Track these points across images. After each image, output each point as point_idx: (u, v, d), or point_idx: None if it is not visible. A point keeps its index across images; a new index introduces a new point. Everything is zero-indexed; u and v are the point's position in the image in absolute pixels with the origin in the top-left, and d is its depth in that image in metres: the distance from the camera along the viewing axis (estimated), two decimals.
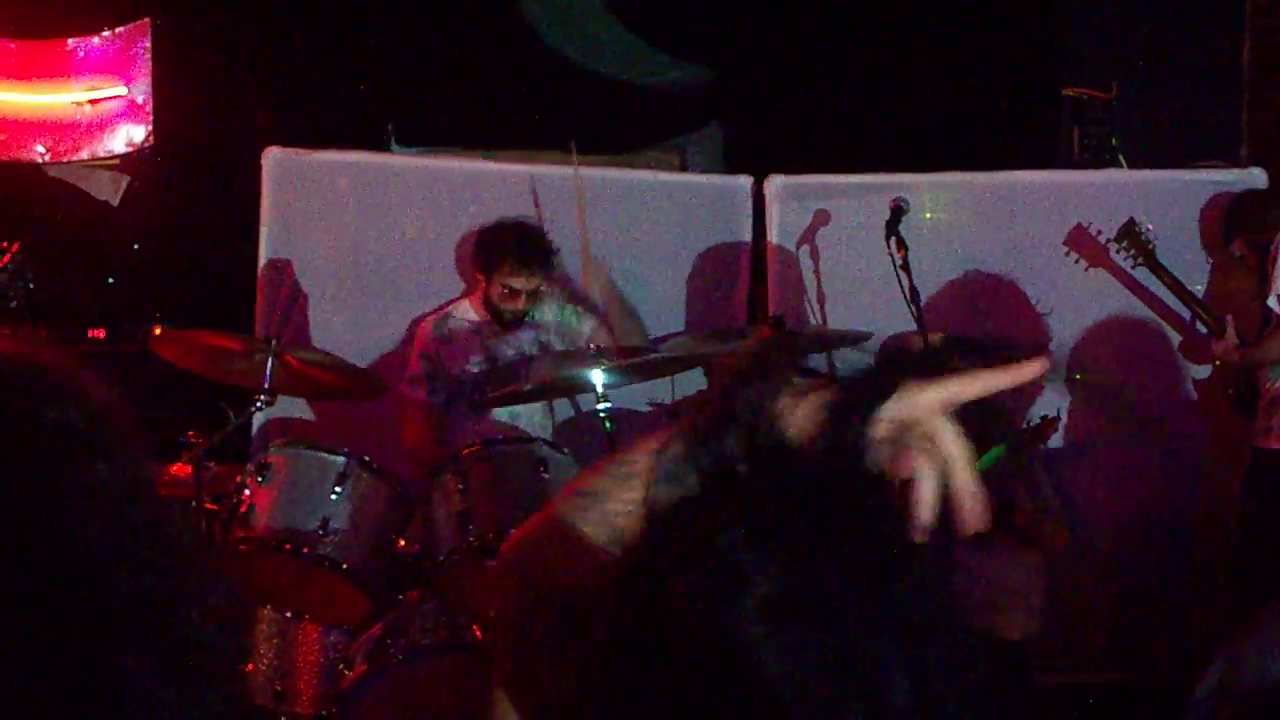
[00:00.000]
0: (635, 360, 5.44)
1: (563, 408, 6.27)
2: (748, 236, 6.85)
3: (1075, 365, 6.60)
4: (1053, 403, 6.19)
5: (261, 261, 6.61)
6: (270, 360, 5.03)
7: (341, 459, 4.99)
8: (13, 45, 6.46)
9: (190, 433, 4.96)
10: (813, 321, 6.57)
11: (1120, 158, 7.30)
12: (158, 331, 6.67)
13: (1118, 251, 6.36)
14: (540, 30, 7.56)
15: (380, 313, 6.67)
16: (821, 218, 6.65)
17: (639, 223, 6.85)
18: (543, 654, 1.66)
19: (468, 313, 6.10)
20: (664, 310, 6.79)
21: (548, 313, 6.08)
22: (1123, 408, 6.65)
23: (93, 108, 6.57)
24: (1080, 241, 6.49)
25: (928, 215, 6.55)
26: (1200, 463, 6.66)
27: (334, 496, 4.91)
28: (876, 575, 1.46)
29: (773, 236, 6.75)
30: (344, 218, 6.69)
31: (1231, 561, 6.08)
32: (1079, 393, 6.63)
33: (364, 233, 6.70)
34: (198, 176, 7.14)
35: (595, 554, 1.73)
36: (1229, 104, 7.52)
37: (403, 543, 5.14)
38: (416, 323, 6.33)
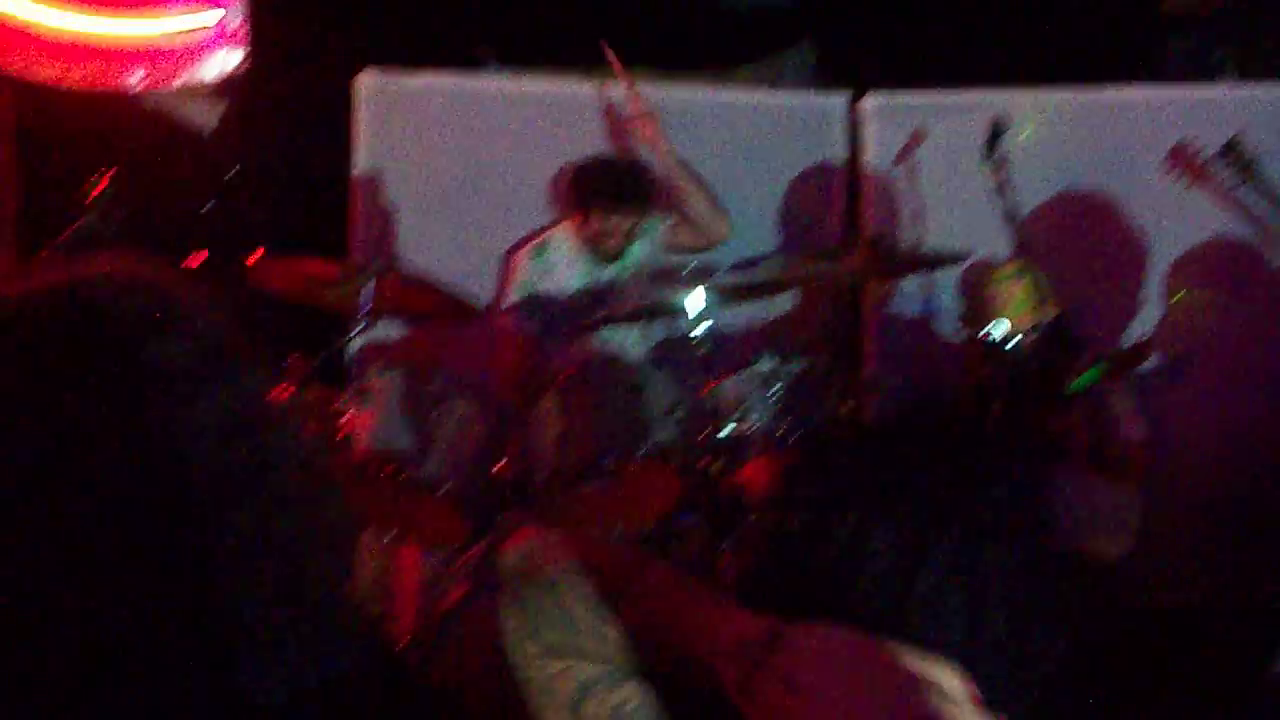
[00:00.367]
0: (732, 284, 5.43)
1: (659, 330, 6.24)
2: (843, 156, 6.77)
3: (1174, 286, 6.51)
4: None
5: (356, 186, 6.63)
6: (369, 286, 5.04)
7: (440, 382, 5.02)
8: None
9: (292, 358, 4.97)
10: (910, 240, 6.50)
11: (1226, 71, 7.13)
12: (254, 257, 6.72)
13: (1220, 171, 6.23)
14: None
15: (474, 237, 6.66)
16: (919, 136, 6.56)
17: (732, 144, 6.79)
18: None
19: (565, 240, 6.10)
20: (758, 232, 6.73)
21: (646, 242, 6.08)
22: (1222, 329, 6.55)
23: (187, 36, 6.56)
24: (1181, 160, 6.37)
25: (1029, 134, 6.44)
26: None
27: (433, 420, 4.94)
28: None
29: (868, 156, 6.68)
30: (439, 141, 6.69)
31: None
32: (1178, 314, 6.54)
33: (458, 156, 6.69)
34: (292, 102, 7.13)
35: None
36: None
37: (500, 464, 5.16)
38: (513, 249, 6.33)
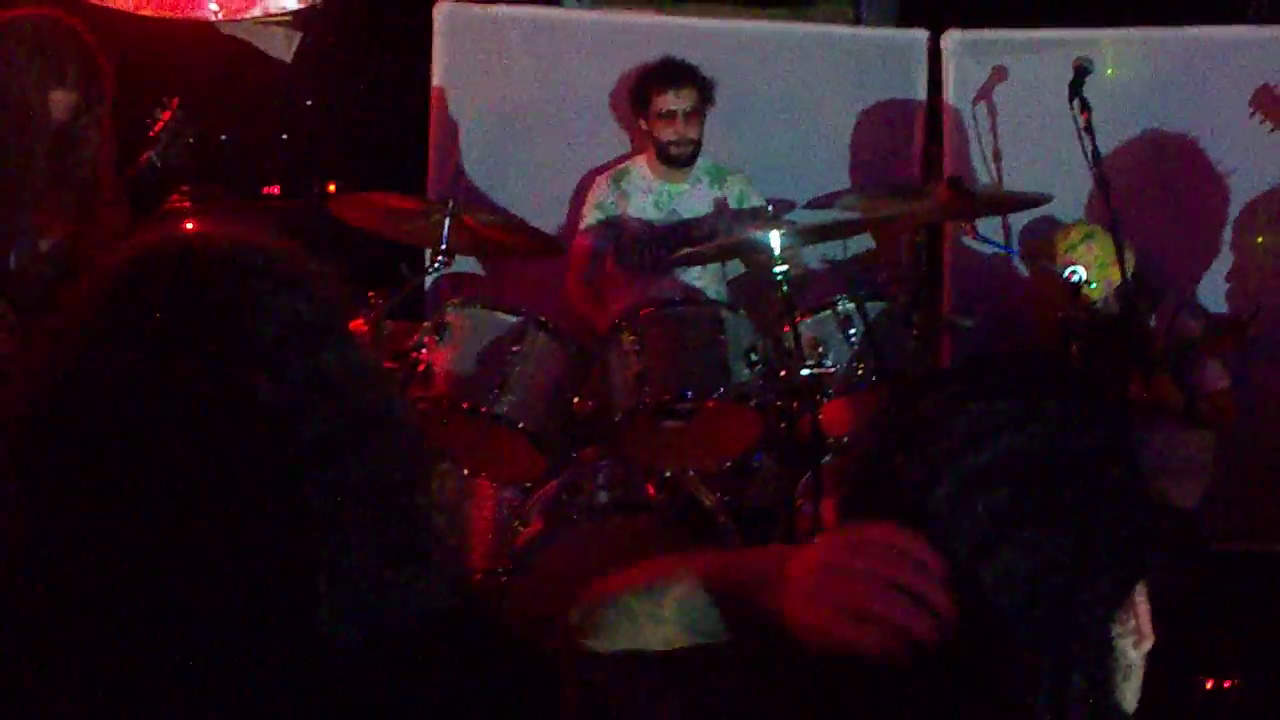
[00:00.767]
0: (811, 224, 5.41)
1: (735, 267, 6.24)
2: (922, 93, 6.70)
3: (1257, 229, 6.44)
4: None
5: (433, 116, 6.62)
6: (448, 221, 5.04)
7: (518, 318, 5.02)
8: None
9: (370, 293, 4.99)
10: (989, 181, 6.45)
11: None
12: (331, 188, 6.75)
13: None
14: None
15: (552, 169, 6.66)
16: (999, 74, 6.50)
17: (811, 77, 6.74)
18: None
19: (643, 169, 6.11)
20: (836, 168, 6.70)
21: (730, 184, 6.10)
22: None
23: None
24: (1266, 102, 6.28)
25: (1110, 72, 6.36)
26: None
27: (511, 355, 4.94)
28: None
29: (948, 93, 6.61)
30: (516, 72, 6.66)
31: None
32: (1259, 255, 6.47)
33: (536, 88, 6.67)
34: (370, 32, 7.15)
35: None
36: None
37: (578, 400, 5.17)
38: (590, 176, 6.33)
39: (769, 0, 6.92)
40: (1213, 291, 6.43)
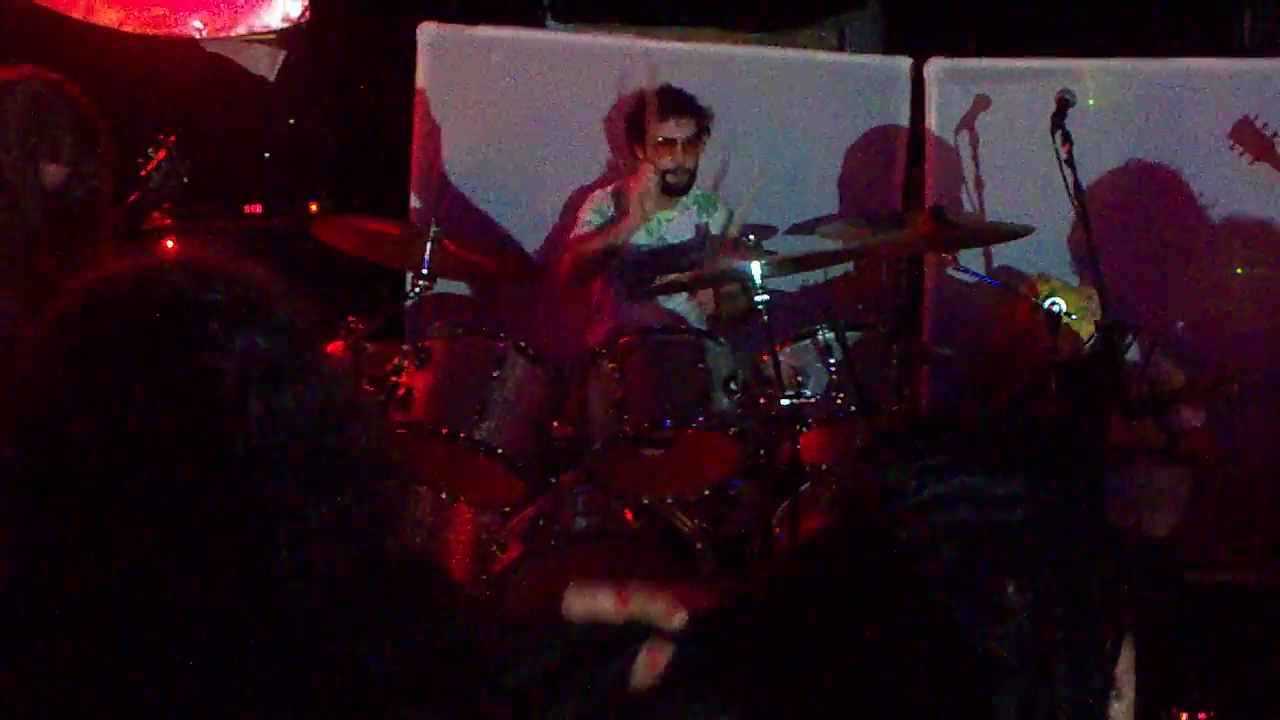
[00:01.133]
0: (791, 255, 5.42)
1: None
2: (906, 120, 6.71)
3: (1236, 260, 6.47)
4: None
5: (416, 136, 6.62)
6: (429, 246, 5.04)
7: (498, 343, 5.02)
8: None
9: (350, 318, 4.99)
10: (970, 209, 6.47)
11: None
12: (314, 207, 6.74)
13: None
14: None
15: (534, 189, 6.67)
16: (982, 103, 6.52)
17: (795, 103, 6.75)
18: None
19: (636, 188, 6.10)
20: (818, 194, 6.71)
21: (718, 213, 6.11)
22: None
23: None
24: (1246, 134, 6.30)
25: (1091, 102, 6.37)
26: None
27: (490, 381, 4.94)
28: None
29: (931, 121, 6.63)
30: (498, 93, 6.67)
31: None
32: (1238, 287, 6.50)
33: (518, 108, 6.67)
34: (353, 51, 7.15)
35: None
36: None
37: (557, 424, 5.18)
38: (584, 191, 6.31)
39: (753, 25, 6.93)
40: (1191, 323, 6.44)
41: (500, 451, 4.92)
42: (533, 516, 5.02)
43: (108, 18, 6.45)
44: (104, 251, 5.04)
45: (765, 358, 4.92)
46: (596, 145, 6.61)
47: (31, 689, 1.45)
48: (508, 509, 5.15)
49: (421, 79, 6.60)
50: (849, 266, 6.36)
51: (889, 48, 7.28)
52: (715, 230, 6.12)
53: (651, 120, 5.93)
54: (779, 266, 5.17)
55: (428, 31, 6.59)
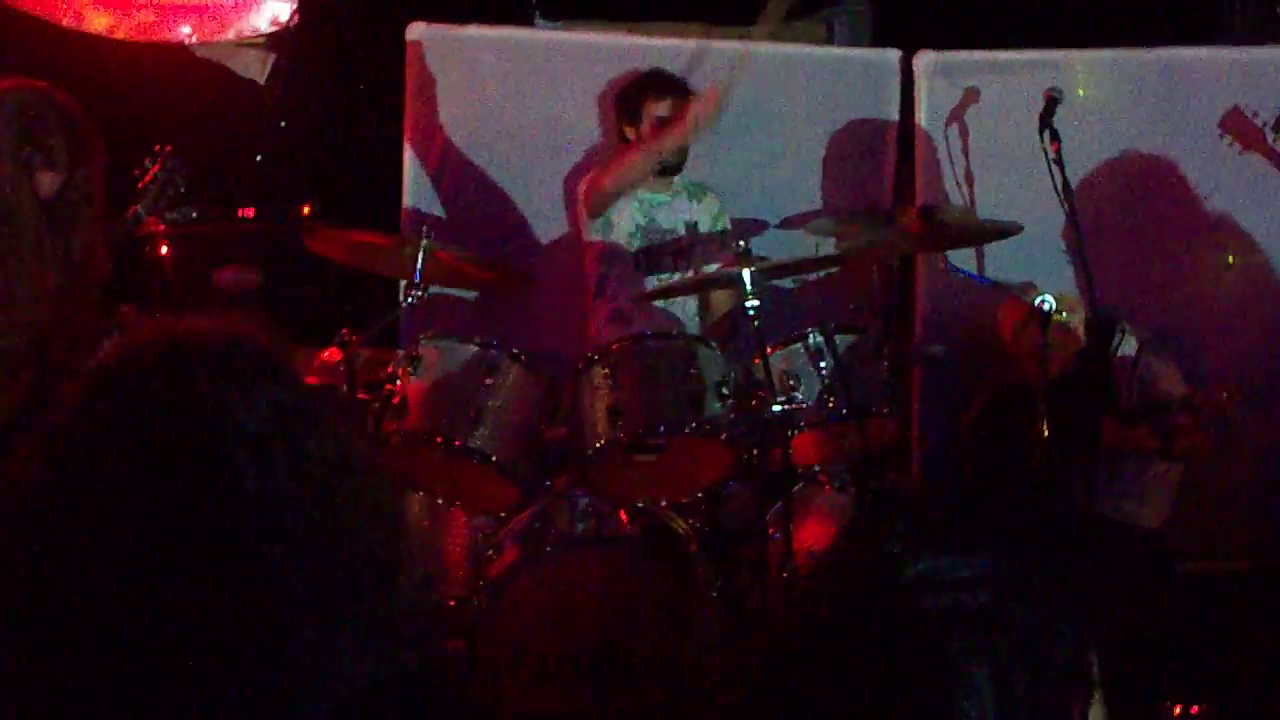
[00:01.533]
0: (784, 262, 5.45)
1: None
2: (895, 113, 6.70)
3: (1228, 249, 6.49)
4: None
5: (407, 135, 6.62)
6: (421, 255, 5.07)
7: (491, 350, 5.07)
8: None
9: (344, 329, 5.01)
10: (960, 202, 6.47)
11: None
12: (306, 210, 6.76)
13: (1275, 141, 6.19)
14: None
15: (525, 187, 6.67)
16: (971, 96, 6.51)
17: (784, 97, 6.75)
18: None
19: None
20: (808, 188, 6.71)
21: (707, 203, 6.13)
22: (1270, 295, 6.53)
23: None
24: (1236, 124, 6.30)
25: (1081, 93, 6.39)
26: None
27: (484, 388, 5.00)
28: None
29: (921, 114, 6.62)
30: (488, 93, 6.66)
31: None
32: (1230, 277, 6.52)
33: (508, 107, 6.67)
34: (343, 53, 7.16)
35: None
36: None
37: (550, 427, 5.22)
38: (576, 174, 6.33)
39: (741, 20, 6.91)
40: (1184, 314, 6.46)
41: (494, 459, 4.98)
42: (528, 521, 5.06)
43: (97, 24, 6.47)
44: (98, 257, 5.06)
45: (756, 361, 4.95)
46: (588, 142, 6.60)
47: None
48: (503, 513, 5.20)
49: (411, 79, 6.59)
50: (841, 271, 6.36)
51: (878, 40, 7.28)
52: (705, 219, 6.14)
53: (646, 100, 5.98)
54: (770, 273, 5.20)
55: (416, 31, 6.58)
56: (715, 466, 5.12)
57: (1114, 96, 6.52)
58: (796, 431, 5.01)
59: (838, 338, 5.11)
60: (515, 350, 5.09)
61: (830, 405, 5.03)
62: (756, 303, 4.88)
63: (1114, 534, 5.68)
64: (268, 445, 1.56)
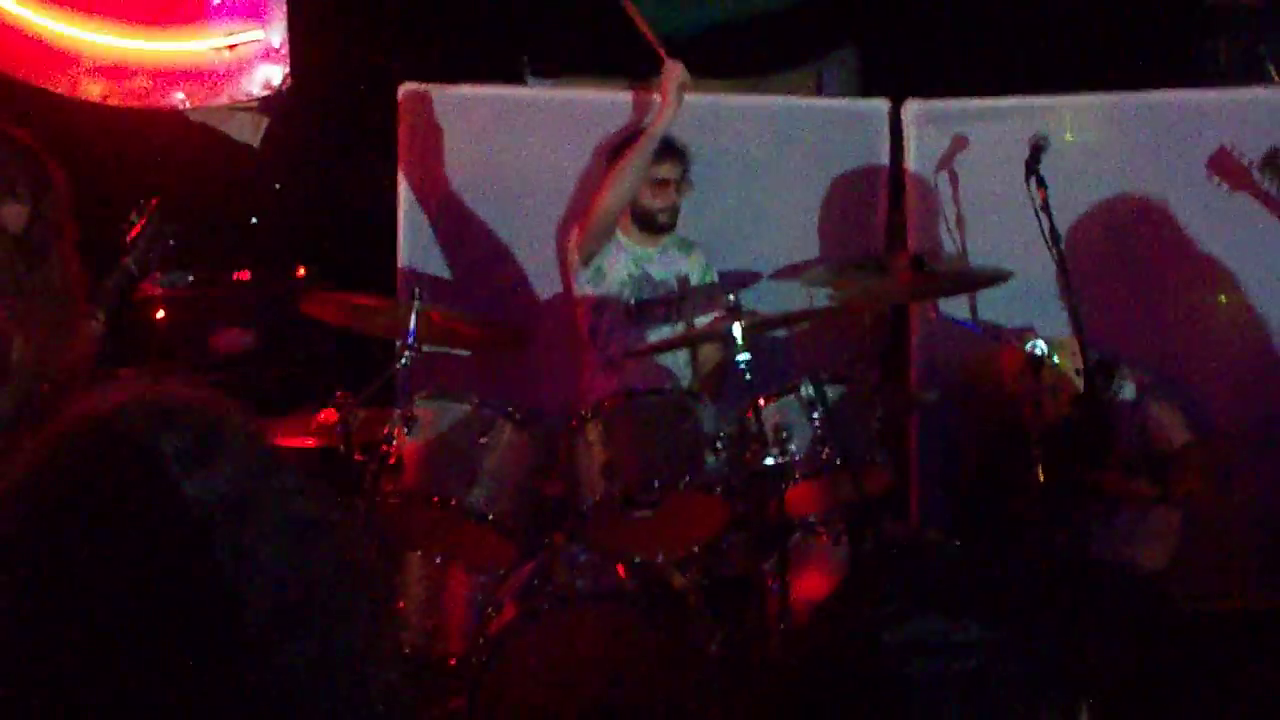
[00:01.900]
0: (775, 316, 5.48)
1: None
2: (885, 162, 6.73)
3: (1216, 292, 6.51)
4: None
5: (401, 196, 6.66)
6: (414, 317, 5.11)
7: (485, 410, 5.09)
8: None
9: (340, 391, 5.04)
10: (952, 248, 6.50)
11: (1269, 70, 7.09)
12: (301, 272, 6.79)
13: (1262, 181, 6.22)
14: None
15: (518, 246, 6.70)
16: (960, 143, 6.55)
17: (774, 148, 6.78)
18: None
19: (617, 234, 6.14)
20: (800, 238, 6.74)
21: (695, 258, 6.17)
22: (1261, 335, 6.54)
23: (231, 53, 6.64)
24: (1224, 165, 6.33)
25: (1069, 138, 6.43)
26: None
27: (479, 447, 5.02)
28: None
29: (910, 162, 6.66)
30: (481, 151, 6.70)
31: None
32: (1221, 317, 6.53)
33: (501, 166, 6.70)
34: (335, 115, 7.21)
35: None
36: None
37: (548, 483, 5.24)
38: (567, 225, 6.37)
39: (731, 71, 6.97)
40: (1179, 355, 6.47)
41: (491, 517, 4.99)
42: (527, 577, 5.07)
43: (92, 92, 6.52)
44: (72, 286, 5.10)
45: (749, 414, 4.97)
46: (581, 199, 6.63)
47: None
48: (501, 571, 5.21)
49: (403, 139, 6.64)
50: (833, 321, 6.37)
51: (867, 90, 7.32)
52: (694, 273, 6.18)
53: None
54: (761, 326, 5.23)
55: (408, 92, 6.63)
56: (711, 520, 5.13)
57: (1102, 140, 6.55)
58: (791, 483, 5.02)
59: (830, 388, 5.12)
60: (509, 409, 5.11)
61: (824, 456, 5.03)
62: (748, 356, 4.91)
63: (1113, 577, 5.67)
64: (237, 510, 1.55)
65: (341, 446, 5.06)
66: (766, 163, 6.75)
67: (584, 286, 6.05)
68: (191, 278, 6.68)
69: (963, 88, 6.73)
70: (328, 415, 5.17)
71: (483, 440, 5.03)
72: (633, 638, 4.88)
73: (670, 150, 6.05)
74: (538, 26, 7.37)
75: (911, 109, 6.65)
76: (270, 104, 6.87)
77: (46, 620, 1.50)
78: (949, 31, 7.31)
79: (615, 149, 6.13)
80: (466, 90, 6.74)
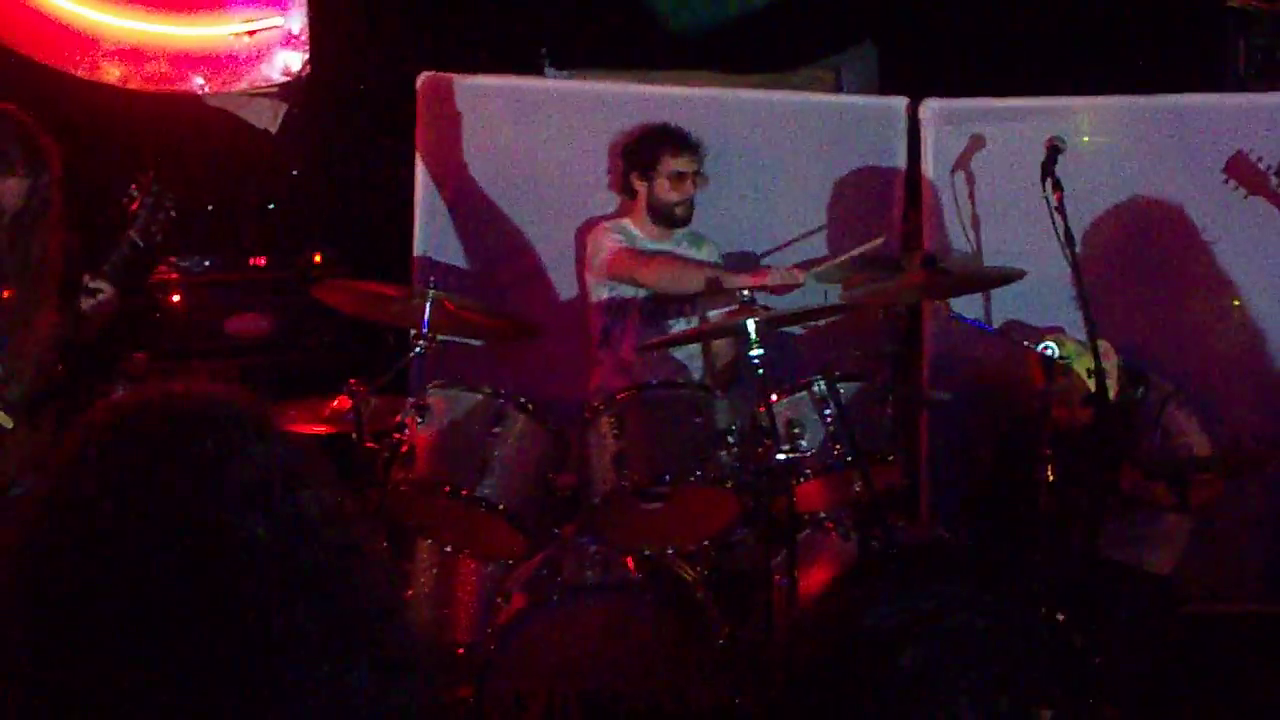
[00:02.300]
0: (789, 313, 5.49)
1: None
2: (902, 160, 6.73)
3: (1232, 294, 6.51)
4: None
5: (418, 185, 6.67)
6: (428, 306, 5.12)
7: (498, 399, 5.10)
8: None
9: (354, 379, 5.05)
10: (968, 248, 6.51)
11: None
12: (318, 258, 6.81)
13: (1278, 187, 6.21)
14: None
15: (534, 236, 6.71)
16: (977, 142, 6.55)
17: (791, 144, 6.79)
18: None
19: (631, 228, 6.16)
20: (816, 234, 6.74)
21: (707, 251, 6.19)
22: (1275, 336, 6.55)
23: (250, 39, 6.65)
24: (1241, 169, 6.32)
25: (1085, 139, 6.43)
26: None
27: (491, 437, 5.03)
28: None
29: (927, 161, 6.65)
30: (498, 141, 6.71)
31: None
32: (1238, 320, 6.53)
33: (518, 156, 6.71)
34: (354, 103, 7.22)
35: None
36: None
37: (559, 475, 5.25)
38: (588, 224, 6.39)
39: (749, 67, 6.98)
40: (1192, 358, 6.47)
41: (501, 508, 5.00)
42: (537, 568, 5.09)
43: (110, 75, 6.54)
44: (49, 265, 5.13)
45: (761, 409, 4.98)
46: (597, 191, 6.64)
47: None
48: (511, 561, 5.22)
49: (421, 128, 6.64)
50: (847, 318, 6.38)
51: (885, 88, 7.32)
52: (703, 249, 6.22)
53: (663, 154, 6.06)
54: (775, 322, 5.23)
55: (427, 81, 6.64)
56: (721, 514, 5.14)
57: (1120, 142, 6.55)
58: (802, 479, 5.03)
59: (843, 385, 5.13)
60: (522, 399, 5.13)
61: (835, 453, 5.05)
62: (761, 351, 4.91)
63: (1122, 578, 5.69)
64: (265, 499, 1.59)
65: (354, 434, 5.06)
66: (782, 158, 6.75)
67: (599, 288, 6.08)
68: (208, 263, 6.70)
69: (981, 87, 6.73)
70: (341, 402, 5.18)
71: (495, 430, 5.04)
72: (640, 630, 4.90)
73: (686, 143, 6.09)
74: (556, 18, 7.38)
75: (929, 108, 6.65)
76: (289, 90, 6.89)
77: (73, 617, 1.53)
78: (968, 31, 7.31)
79: (635, 147, 6.17)
80: (484, 80, 6.75)
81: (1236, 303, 6.52)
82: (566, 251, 6.58)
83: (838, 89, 7.62)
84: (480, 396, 5.13)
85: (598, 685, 4.82)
